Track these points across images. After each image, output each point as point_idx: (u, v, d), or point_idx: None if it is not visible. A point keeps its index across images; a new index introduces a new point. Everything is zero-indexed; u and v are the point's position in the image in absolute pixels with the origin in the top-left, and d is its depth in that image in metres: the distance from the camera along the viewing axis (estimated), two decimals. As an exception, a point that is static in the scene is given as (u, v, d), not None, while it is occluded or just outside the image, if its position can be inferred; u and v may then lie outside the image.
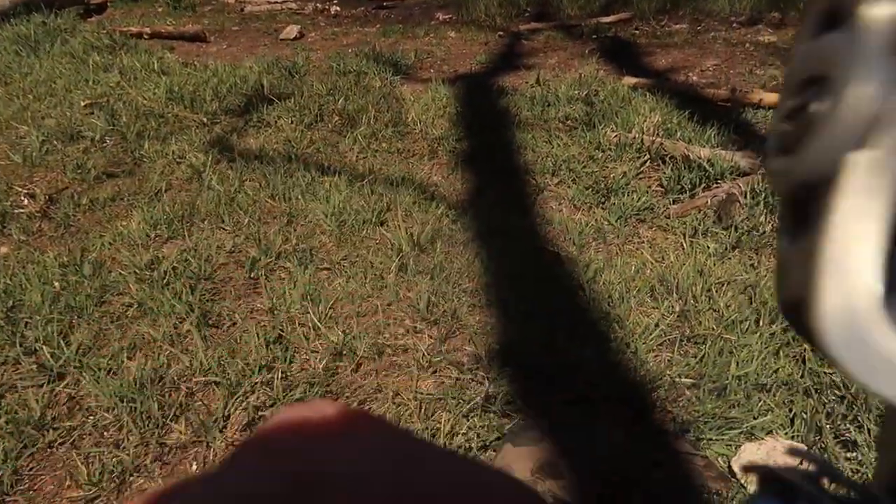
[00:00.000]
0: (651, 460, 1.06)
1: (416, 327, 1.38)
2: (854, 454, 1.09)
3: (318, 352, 1.31)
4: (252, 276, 1.58)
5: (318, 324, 1.38)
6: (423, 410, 1.17)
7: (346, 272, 1.58)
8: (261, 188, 2.00)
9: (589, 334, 1.35)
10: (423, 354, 1.29)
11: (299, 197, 1.93)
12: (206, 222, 1.81)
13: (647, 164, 2.16)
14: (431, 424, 1.14)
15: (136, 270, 1.57)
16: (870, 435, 1.11)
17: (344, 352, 1.30)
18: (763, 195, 1.83)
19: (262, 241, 1.69)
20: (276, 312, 1.43)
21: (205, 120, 2.55)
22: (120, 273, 1.57)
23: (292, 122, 2.53)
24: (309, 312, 1.41)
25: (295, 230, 1.77)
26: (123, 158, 2.25)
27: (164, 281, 1.53)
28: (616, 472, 1.03)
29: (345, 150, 2.31)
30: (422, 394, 1.21)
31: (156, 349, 1.33)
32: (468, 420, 1.15)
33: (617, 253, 1.71)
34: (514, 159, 2.26)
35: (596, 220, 1.87)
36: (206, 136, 2.41)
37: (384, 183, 2.03)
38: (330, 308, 1.44)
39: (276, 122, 2.55)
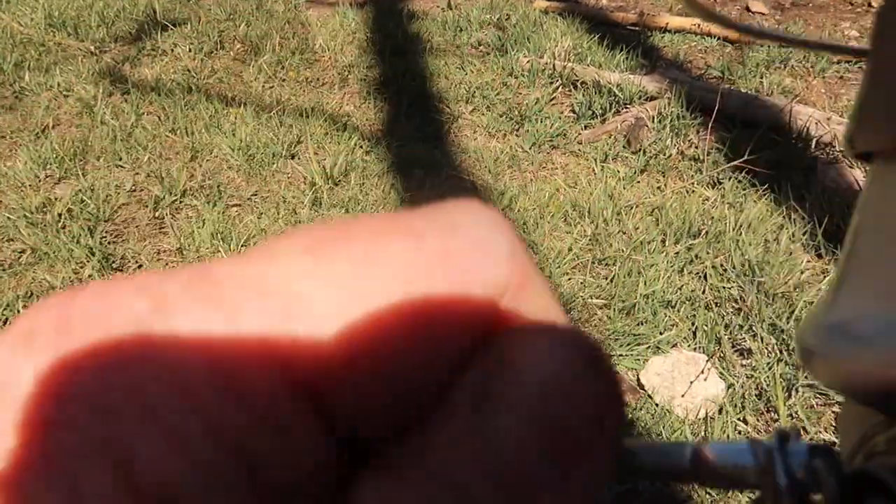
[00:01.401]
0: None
1: (332, 261, 1.36)
2: (749, 361, 1.18)
3: (231, 291, 1.28)
4: (156, 215, 1.50)
5: (231, 262, 1.34)
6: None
7: (257, 208, 1.53)
8: (160, 122, 1.89)
9: (505, 261, 1.37)
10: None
11: (203, 130, 1.83)
12: (101, 160, 1.70)
13: (560, 89, 2.17)
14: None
15: (27, 214, 1.47)
16: (762, 343, 1.19)
17: (259, 290, 1.27)
18: (669, 119, 1.88)
19: (165, 178, 1.60)
20: (184, 252, 1.37)
21: (92, 48, 2.36)
22: (8, 217, 1.46)
23: (190, 51, 2.37)
24: (220, 251, 1.36)
25: (200, 166, 1.69)
26: (2, 92, 2.06)
27: (60, 224, 1.44)
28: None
29: (249, 80, 2.20)
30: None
31: (55, 296, 1.26)
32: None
33: (531, 179, 1.73)
34: (428, 87, 2.21)
35: (510, 147, 1.88)
36: (95, 66, 2.24)
37: (293, 114, 1.96)
38: (242, 246, 1.40)
39: (172, 50, 2.38)
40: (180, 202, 1.55)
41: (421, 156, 1.79)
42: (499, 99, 2.11)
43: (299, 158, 1.74)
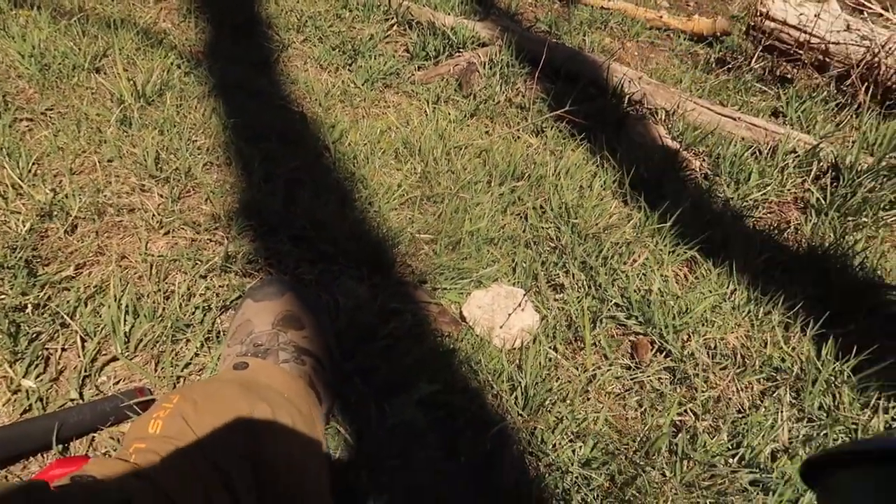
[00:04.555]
0: (390, 309, 1.11)
1: (143, 185, 1.25)
2: (561, 295, 1.26)
3: (20, 213, 1.12)
4: (-79, 124, 1.28)
5: (19, 181, 1.17)
6: (154, 272, 1.07)
7: (53, 124, 1.35)
8: (-74, 17, 1.59)
9: (333, 194, 1.33)
10: (154, 214, 1.18)
11: (-16, 31, 1.58)
12: None
13: (395, 28, 2.13)
14: (165, 286, 1.06)
15: None
16: (574, 279, 1.28)
17: (54, 212, 1.13)
18: (499, 66, 1.93)
19: (-67, 82, 1.36)
20: (-42, 168, 1.18)
21: None
22: None
23: (-32, -62, 2.01)
24: (5, 168, 1.19)
25: (-20, 72, 1.46)
26: None
27: None
28: (357, 321, 1.06)
29: (44, -19, 1.92)
30: (152, 255, 1.11)
31: None
32: (206, 280, 1.09)
33: (363, 116, 1.69)
34: (255, 10, 2.07)
35: (342, 81, 1.82)
36: None
37: (98, 24, 1.74)
38: (34, 164, 1.24)
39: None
40: (-47, 111, 1.33)
41: (247, 82, 1.68)
42: (332, 31, 2.04)
43: (105, 73, 1.56)
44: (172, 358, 0.97)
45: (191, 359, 0.98)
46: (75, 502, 0.51)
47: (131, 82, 1.48)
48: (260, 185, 1.30)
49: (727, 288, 1.34)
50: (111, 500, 0.52)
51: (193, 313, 1.03)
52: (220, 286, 1.09)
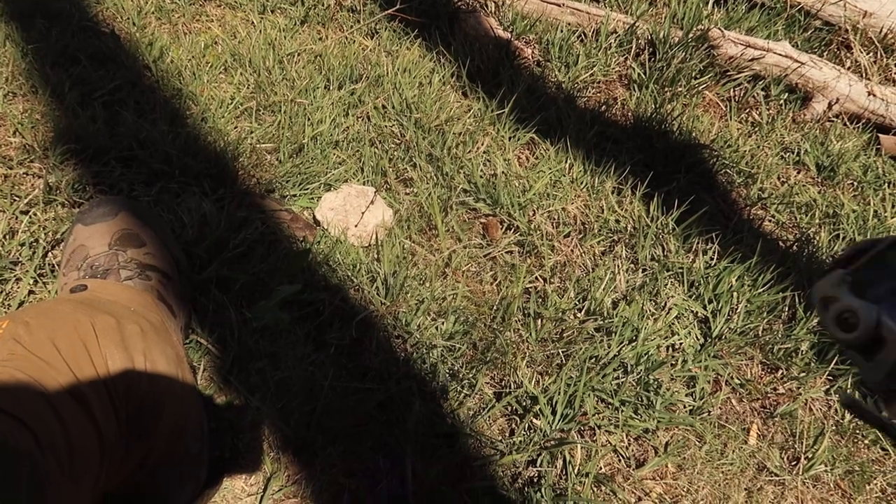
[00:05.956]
0: (240, 219, 1.09)
1: (-66, 123, 1.11)
2: (411, 188, 1.28)
3: None
4: None
5: None
6: (-35, 214, 0.98)
7: None
8: None
9: (160, 112, 1.26)
10: (-48, 153, 1.06)
11: None
12: None
13: (206, -64, 1.98)
14: (-19, 228, 0.98)
15: None
16: (422, 171, 1.31)
17: None
18: (325, -31, 1.85)
19: None
20: None
21: None
22: None
23: None
24: None
25: None
26: None
27: None
28: (206, 234, 1.03)
29: None
30: (-41, 197, 1.01)
31: None
32: (28, 216, 1.01)
33: (184, 32, 1.58)
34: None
35: (156, -3, 1.68)
36: None
37: None
38: None
39: None
40: None
41: (42, 5, 1.51)
42: (135, -57, 1.86)
43: None
44: (3, 298, 0.90)
45: (25, 297, 0.92)
46: None
47: None
48: (76, 109, 1.20)
49: (565, 164, 1.42)
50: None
51: (20, 251, 0.96)
52: (45, 219, 1.01)
